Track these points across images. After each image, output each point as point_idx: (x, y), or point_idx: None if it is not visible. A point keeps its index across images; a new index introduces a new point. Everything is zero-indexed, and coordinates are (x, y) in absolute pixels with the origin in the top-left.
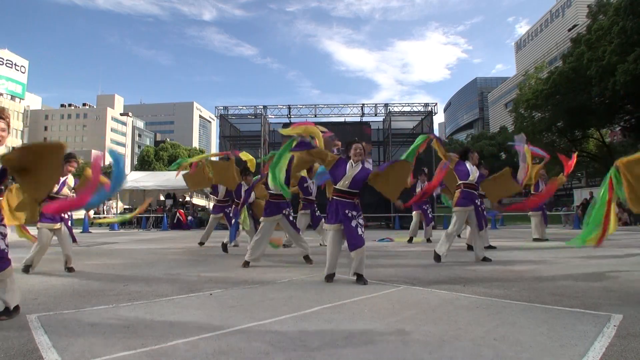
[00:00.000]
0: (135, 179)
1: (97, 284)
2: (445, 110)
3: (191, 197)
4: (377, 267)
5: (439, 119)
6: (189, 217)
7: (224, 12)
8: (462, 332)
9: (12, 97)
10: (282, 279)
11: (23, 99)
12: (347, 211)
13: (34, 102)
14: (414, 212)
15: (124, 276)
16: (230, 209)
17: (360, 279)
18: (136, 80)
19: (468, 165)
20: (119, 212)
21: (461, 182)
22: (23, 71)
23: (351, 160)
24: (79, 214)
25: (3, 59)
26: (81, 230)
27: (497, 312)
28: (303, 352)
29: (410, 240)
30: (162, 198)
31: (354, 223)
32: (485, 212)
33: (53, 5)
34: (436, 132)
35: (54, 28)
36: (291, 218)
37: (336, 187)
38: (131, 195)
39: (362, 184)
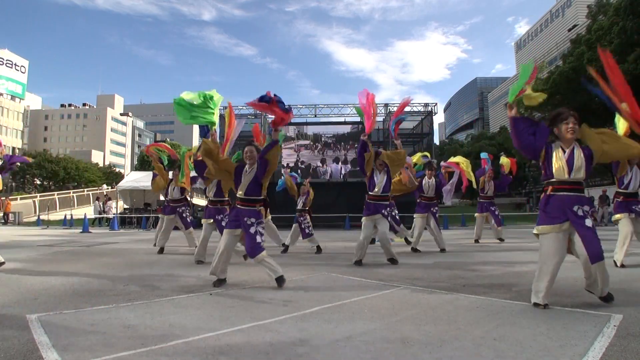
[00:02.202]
0: (135, 179)
1: (97, 284)
2: (445, 110)
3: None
4: (377, 267)
5: (439, 119)
6: (189, 218)
7: (223, 12)
8: (462, 332)
9: (12, 97)
10: None
11: (23, 99)
12: (245, 218)
13: (34, 102)
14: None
15: (124, 276)
16: (184, 208)
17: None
18: (136, 80)
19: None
20: (119, 212)
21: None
22: (23, 71)
23: (246, 166)
24: (79, 213)
25: (3, 59)
26: (81, 230)
27: (497, 312)
28: (303, 352)
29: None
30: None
31: (252, 230)
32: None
33: (53, 5)
34: (436, 132)
35: (54, 28)
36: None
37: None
38: (131, 195)
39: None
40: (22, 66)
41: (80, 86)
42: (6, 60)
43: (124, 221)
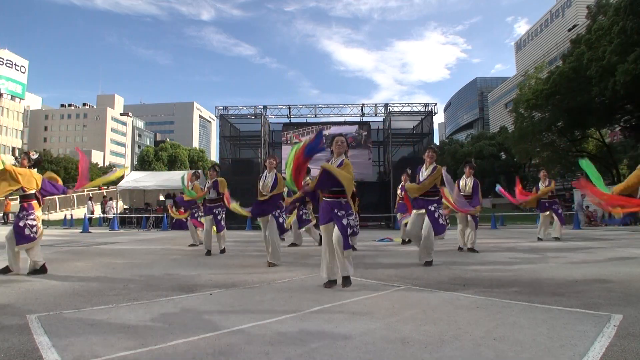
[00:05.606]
0: (135, 179)
1: (97, 284)
2: (445, 110)
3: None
4: (377, 267)
5: (439, 119)
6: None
7: (222, 12)
8: (462, 332)
9: (12, 97)
10: (282, 279)
11: (23, 99)
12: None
13: (34, 102)
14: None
15: (124, 276)
16: (220, 209)
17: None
18: (136, 80)
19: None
20: (119, 212)
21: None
22: (23, 71)
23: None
24: (79, 213)
25: (3, 59)
26: (81, 230)
27: (497, 312)
28: (303, 352)
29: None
30: (162, 198)
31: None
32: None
33: (52, 5)
34: (436, 132)
35: (54, 28)
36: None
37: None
38: (131, 195)
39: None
40: (22, 66)
41: (80, 86)
42: (6, 60)
43: (124, 221)
